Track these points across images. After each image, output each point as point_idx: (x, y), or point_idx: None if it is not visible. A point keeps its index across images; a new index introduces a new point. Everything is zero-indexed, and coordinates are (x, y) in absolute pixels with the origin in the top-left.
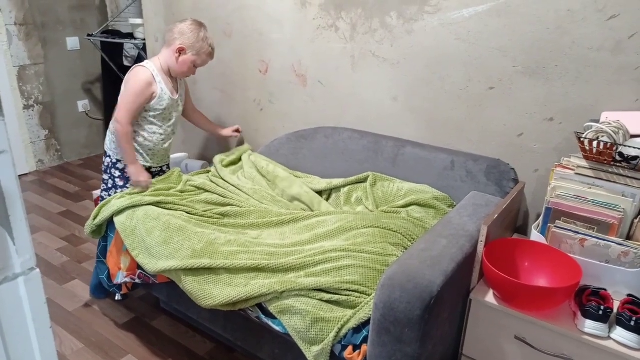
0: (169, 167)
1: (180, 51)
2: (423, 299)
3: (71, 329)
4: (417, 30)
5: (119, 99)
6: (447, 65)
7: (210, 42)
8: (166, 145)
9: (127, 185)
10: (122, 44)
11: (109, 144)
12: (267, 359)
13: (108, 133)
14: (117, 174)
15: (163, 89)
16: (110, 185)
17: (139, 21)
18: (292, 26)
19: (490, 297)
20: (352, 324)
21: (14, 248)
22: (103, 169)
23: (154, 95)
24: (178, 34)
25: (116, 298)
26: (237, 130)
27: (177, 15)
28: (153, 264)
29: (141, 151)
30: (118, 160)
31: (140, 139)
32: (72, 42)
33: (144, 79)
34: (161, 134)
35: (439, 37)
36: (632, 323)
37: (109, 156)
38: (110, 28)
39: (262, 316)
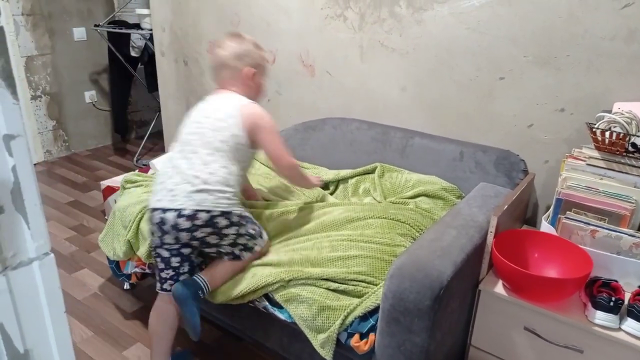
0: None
1: None
2: (433, 289)
3: (81, 317)
4: (426, 19)
5: (271, 144)
6: (456, 55)
7: None
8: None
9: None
10: (128, 35)
11: (215, 200)
12: (275, 348)
13: (204, 190)
14: (244, 213)
15: None
16: (245, 240)
17: (145, 11)
18: (300, 16)
19: (499, 288)
20: (359, 312)
21: (28, 232)
22: (224, 232)
23: None
24: None
25: (125, 287)
26: None
27: (184, 4)
28: None
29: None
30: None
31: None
32: (79, 33)
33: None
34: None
35: (448, 27)
36: None
37: (219, 215)
38: (116, 18)
39: (269, 306)
